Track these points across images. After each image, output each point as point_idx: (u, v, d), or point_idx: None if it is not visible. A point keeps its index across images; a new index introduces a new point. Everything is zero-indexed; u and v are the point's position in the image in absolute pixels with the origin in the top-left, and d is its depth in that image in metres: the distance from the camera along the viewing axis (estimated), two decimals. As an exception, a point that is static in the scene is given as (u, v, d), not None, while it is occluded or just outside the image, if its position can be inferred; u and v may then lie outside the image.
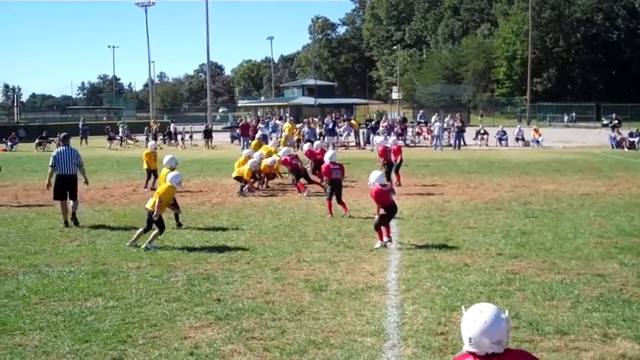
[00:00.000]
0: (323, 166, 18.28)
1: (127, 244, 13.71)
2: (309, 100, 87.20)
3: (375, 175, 13.81)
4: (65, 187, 16.58)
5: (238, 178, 21.81)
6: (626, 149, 41.97)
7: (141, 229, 13.84)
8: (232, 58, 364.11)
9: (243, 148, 40.93)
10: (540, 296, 10.02)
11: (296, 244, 13.86)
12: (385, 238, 13.48)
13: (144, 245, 13.44)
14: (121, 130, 55.86)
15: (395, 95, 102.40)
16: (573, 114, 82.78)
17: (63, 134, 17.98)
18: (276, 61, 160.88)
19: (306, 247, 13.64)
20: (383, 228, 13.52)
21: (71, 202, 16.63)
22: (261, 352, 7.89)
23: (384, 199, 13.61)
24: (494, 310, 4.10)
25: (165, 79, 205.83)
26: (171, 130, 53.61)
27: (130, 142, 53.72)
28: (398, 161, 22.90)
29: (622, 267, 11.68)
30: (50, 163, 16.76)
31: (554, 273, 11.30)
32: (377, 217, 13.55)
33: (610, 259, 12.23)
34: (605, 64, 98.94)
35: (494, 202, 19.44)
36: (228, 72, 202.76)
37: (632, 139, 43.50)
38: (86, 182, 17.58)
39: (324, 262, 12.23)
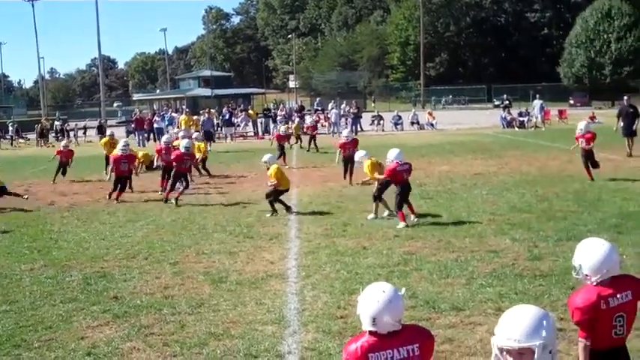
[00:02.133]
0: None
1: None
2: (206, 92, 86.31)
3: (394, 153, 14.16)
4: None
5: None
6: (516, 129, 43.30)
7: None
8: (125, 51, 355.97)
9: (139, 143, 40.28)
10: (436, 275, 10.26)
11: (195, 237, 13.74)
12: (412, 217, 14.13)
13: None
14: (10, 129, 53.94)
15: (292, 84, 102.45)
16: (450, 97, 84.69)
17: None
18: (170, 52, 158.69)
19: (205, 239, 13.54)
20: (404, 209, 14.08)
21: None
22: (160, 348, 7.79)
23: (398, 177, 14.06)
24: (394, 289, 4.14)
25: (57, 75, 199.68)
26: (59, 127, 51.75)
27: (21, 141, 51.98)
28: None
29: (514, 242, 12.07)
30: None
31: (449, 252, 11.59)
32: (396, 196, 14.24)
33: (502, 235, 12.62)
34: (495, 47, 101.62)
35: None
36: (121, 65, 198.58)
37: (521, 119, 44.93)
38: None
39: (223, 254, 12.17)
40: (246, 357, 7.41)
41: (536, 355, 3.45)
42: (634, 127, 25.34)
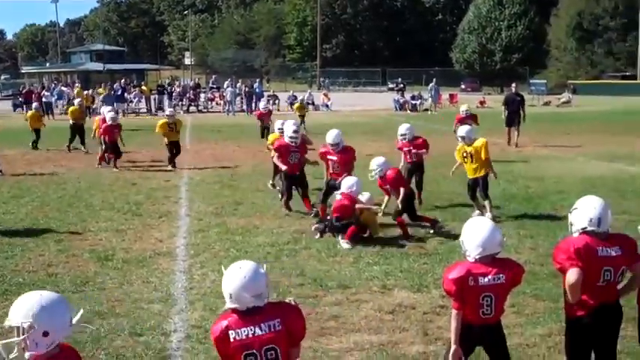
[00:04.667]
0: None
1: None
2: (98, 66, 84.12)
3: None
4: None
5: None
6: (408, 111, 44.24)
7: None
8: (14, 21, 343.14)
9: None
10: (325, 253, 10.39)
11: (81, 215, 13.41)
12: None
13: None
14: None
15: (187, 61, 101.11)
16: (326, 79, 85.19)
17: None
18: (62, 25, 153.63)
19: (92, 216, 13.24)
20: None
21: None
22: (42, 327, 7.59)
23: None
24: (253, 265, 4.25)
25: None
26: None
27: None
28: None
29: (402, 222, 12.30)
30: None
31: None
32: None
33: (390, 216, 12.81)
34: (390, 31, 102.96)
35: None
36: (10, 37, 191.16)
37: (413, 102, 45.88)
38: None
39: (110, 232, 11.94)
40: (131, 335, 7.33)
41: (19, 337, 3.55)
42: (520, 116, 24.31)
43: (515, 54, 77.95)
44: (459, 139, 12.70)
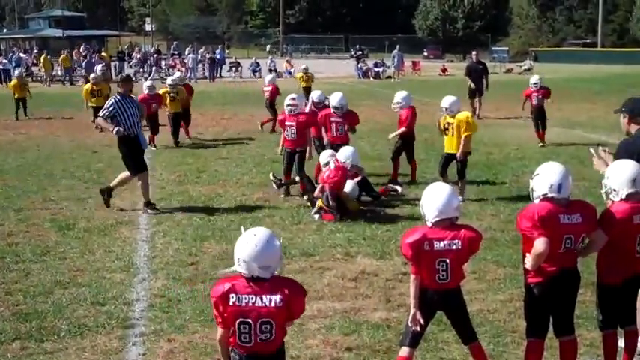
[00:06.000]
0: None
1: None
2: (57, 32, 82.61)
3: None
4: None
5: None
6: (371, 78, 44.18)
7: None
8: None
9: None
10: (288, 221, 10.41)
11: (42, 183, 13.25)
12: None
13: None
14: None
15: (148, 27, 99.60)
16: (297, 45, 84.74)
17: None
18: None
19: (52, 185, 13.08)
20: None
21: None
22: (3, 297, 7.53)
23: None
24: (267, 235, 4.18)
25: None
26: None
27: None
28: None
29: (364, 189, 12.33)
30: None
31: (301, 198, 11.72)
32: None
33: (353, 183, 12.85)
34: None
35: (247, 132, 19.73)
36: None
37: (377, 69, 45.85)
38: None
39: (71, 200, 11.82)
40: (93, 304, 7.28)
41: None
42: (483, 85, 23.49)
43: (478, 21, 78.18)
44: (442, 110, 11.59)
